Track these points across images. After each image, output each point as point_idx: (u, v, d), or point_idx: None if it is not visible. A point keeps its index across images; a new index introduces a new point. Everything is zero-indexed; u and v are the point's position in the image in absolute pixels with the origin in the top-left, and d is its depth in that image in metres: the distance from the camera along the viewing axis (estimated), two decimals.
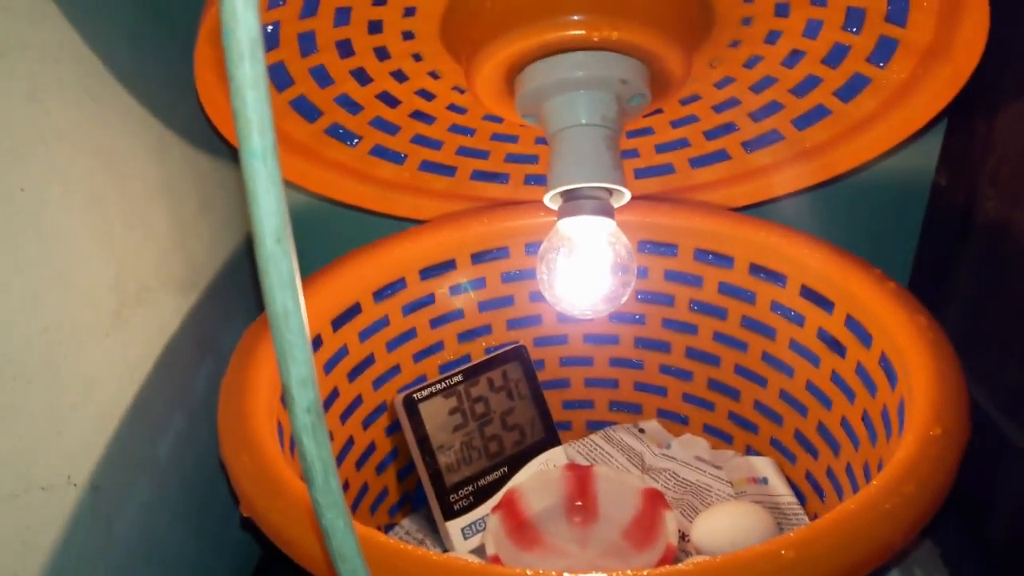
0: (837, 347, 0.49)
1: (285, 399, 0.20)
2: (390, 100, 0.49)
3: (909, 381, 0.40)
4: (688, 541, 0.54)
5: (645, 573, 0.30)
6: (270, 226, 0.18)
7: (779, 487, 0.55)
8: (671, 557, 0.50)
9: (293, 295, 0.18)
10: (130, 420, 0.41)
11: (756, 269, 0.53)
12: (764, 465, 0.56)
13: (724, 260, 0.55)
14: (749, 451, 0.58)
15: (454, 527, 0.54)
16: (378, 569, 0.30)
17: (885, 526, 0.31)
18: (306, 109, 0.48)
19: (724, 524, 0.52)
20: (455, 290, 0.57)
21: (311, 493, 0.20)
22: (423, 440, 0.55)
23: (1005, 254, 0.48)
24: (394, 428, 0.56)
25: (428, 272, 0.56)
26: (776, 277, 0.53)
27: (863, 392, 0.46)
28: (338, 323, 0.51)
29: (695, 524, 0.53)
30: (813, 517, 0.53)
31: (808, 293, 0.51)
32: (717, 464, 0.59)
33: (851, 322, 0.48)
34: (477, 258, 0.57)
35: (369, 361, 0.54)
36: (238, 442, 0.38)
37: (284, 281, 0.18)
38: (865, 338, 0.46)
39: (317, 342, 0.50)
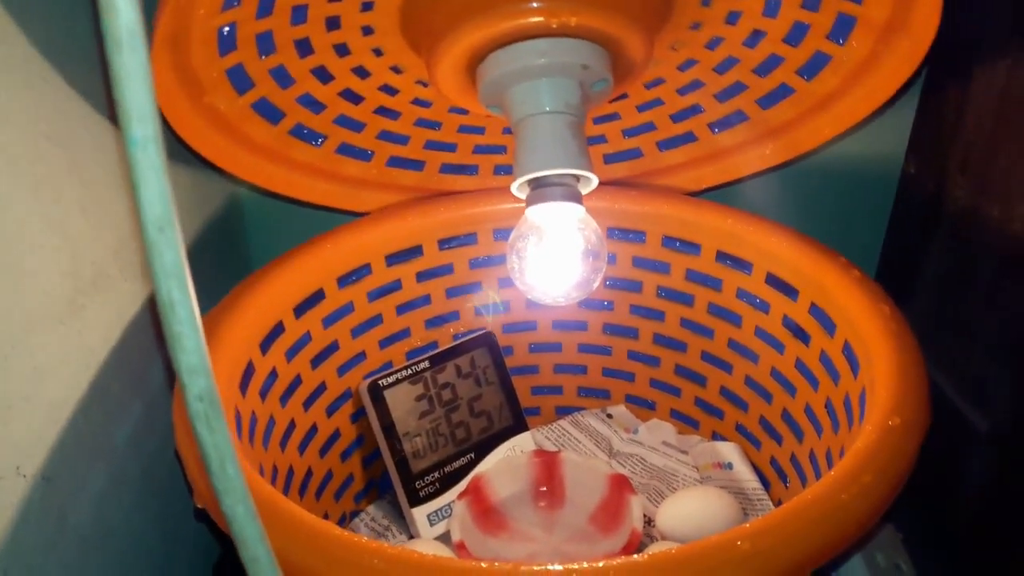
0: (801, 335, 0.49)
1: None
2: (353, 97, 0.48)
3: (871, 370, 0.40)
4: (654, 526, 0.54)
5: (601, 564, 0.30)
6: (152, 215, 0.17)
7: (744, 473, 0.55)
8: (636, 543, 0.50)
9: (179, 284, 0.18)
10: (85, 409, 0.40)
11: (723, 256, 0.53)
12: (729, 451, 0.56)
13: (691, 247, 0.54)
14: (715, 436, 0.59)
15: (420, 513, 0.54)
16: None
17: (842, 516, 0.31)
18: (269, 111, 0.47)
19: (689, 510, 0.52)
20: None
21: (210, 481, 0.20)
22: (389, 427, 0.54)
23: (973, 241, 0.49)
24: (359, 415, 0.56)
25: (394, 258, 0.55)
26: (742, 264, 0.53)
27: (826, 380, 0.47)
28: (301, 309, 0.50)
29: (660, 510, 0.53)
30: (777, 503, 0.53)
31: (774, 281, 0.51)
32: (683, 449, 0.59)
33: (815, 310, 0.48)
34: (444, 244, 0.56)
35: (333, 348, 0.53)
36: (190, 430, 0.38)
37: (168, 270, 0.18)
38: (829, 326, 0.46)
39: (279, 329, 0.49)
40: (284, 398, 0.49)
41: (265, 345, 0.48)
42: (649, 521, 0.54)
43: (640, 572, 0.29)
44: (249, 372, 0.46)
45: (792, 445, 0.51)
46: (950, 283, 0.53)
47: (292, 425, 0.50)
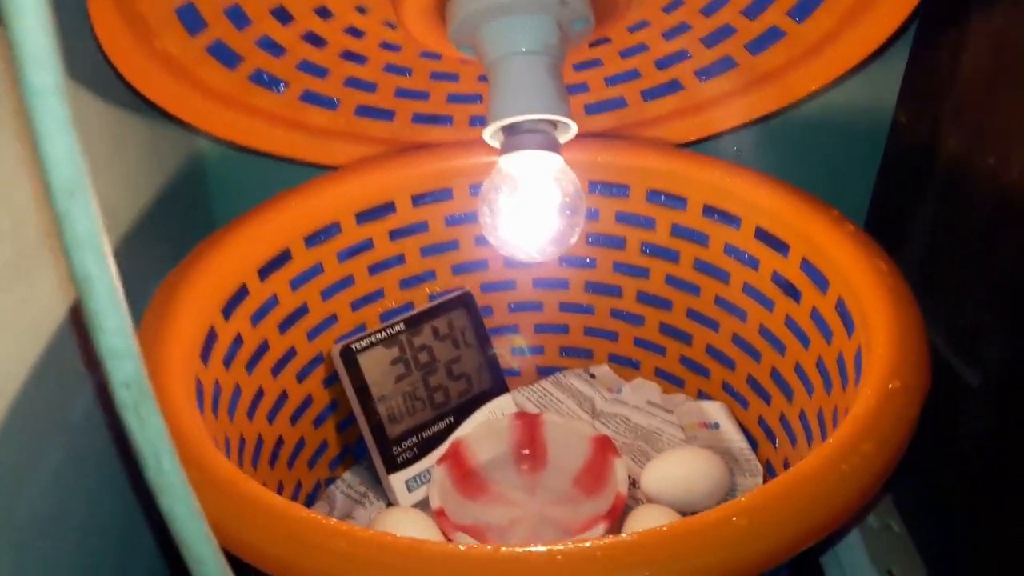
0: (792, 291, 0.47)
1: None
2: (316, 40, 0.45)
3: (867, 329, 0.39)
4: (638, 488, 0.52)
5: (588, 544, 0.28)
6: (60, 178, 0.15)
7: (731, 432, 0.53)
8: (621, 506, 0.49)
9: (95, 257, 0.15)
10: (36, 382, 0.38)
11: (710, 211, 0.51)
12: (715, 410, 0.55)
13: (677, 201, 0.52)
14: (701, 396, 0.57)
15: (397, 480, 0.52)
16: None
17: (843, 488, 0.29)
18: (225, 55, 0.44)
19: (675, 471, 0.51)
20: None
21: (145, 476, 0.18)
22: (363, 392, 0.52)
23: (966, 192, 0.46)
24: (332, 379, 0.53)
25: (365, 216, 0.52)
26: (730, 219, 0.50)
27: (818, 338, 0.45)
28: (266, 271, 0.48)
29: (645, 472, 0.51)
30: (765, 463, 0.52)
31: (763, 235, 0.49)
32: (668, 408, 0.58)
33: (807, 266, 0.46)
34: (418, 200, 0.54)
35: (302, 311, 0.51)
36: None
37: (82, 242, 0.15)
38: (821, 283, 0.44)
39: (243, 292, 0.46)
40: (250, 365, 0.47)
41: (228, 310, 0.45)
42: (634, 483, 0.53)
43: (629, 551, 0.27)
44: (211, 339, 0.43)
45: (781, 405, 0.49)
46: (942, 235, 0.51)
47: (260, 393, 0.48)
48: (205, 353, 0.42)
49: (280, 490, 0.49)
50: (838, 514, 0.29)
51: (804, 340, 0.46)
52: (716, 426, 0.54)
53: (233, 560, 0.29)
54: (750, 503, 0.29)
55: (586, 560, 0.27)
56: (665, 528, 0.28)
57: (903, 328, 0.37)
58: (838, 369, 0.42)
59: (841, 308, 0.42)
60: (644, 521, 0.47)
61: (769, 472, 0.51)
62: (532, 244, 0.45)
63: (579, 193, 0.44)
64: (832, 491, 0.29)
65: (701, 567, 0.27)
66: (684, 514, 0.50)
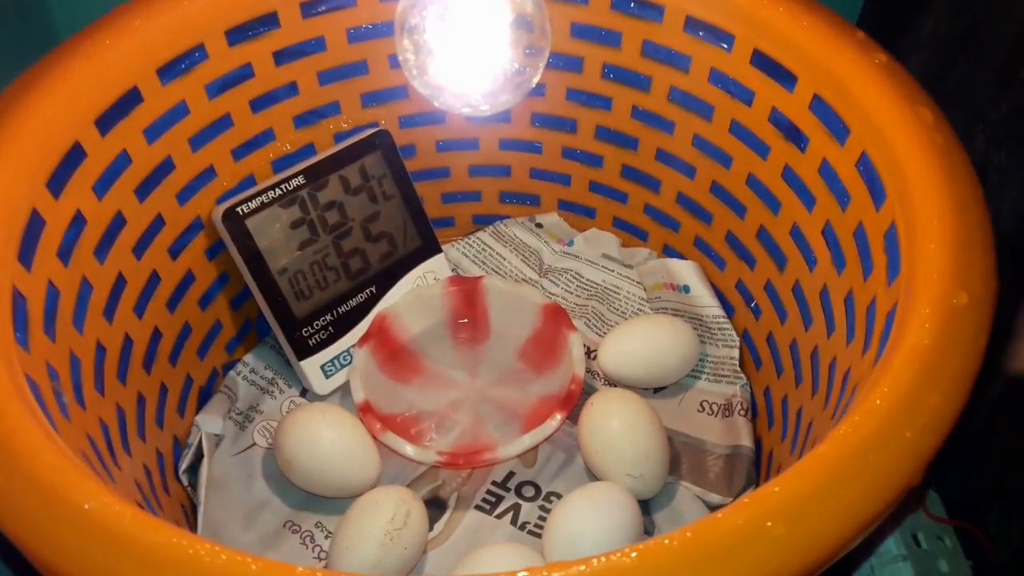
0: (795, 136, 0.38)
1: None
2: None
3: (906, 204, 0.30)
4: (594, 358, 0.45)
5: (582, 568, 0.20)
6: None
7: (702, 297, 0.46)
8: (578, 391, 0.42)
9: None
10: None
11: (693, 24, 0.39)
12: (686, 270, 0.46)
13: (650, 10, 0.40)
14: (668, 252, 0.48)
15: (311, 366, 0.43)
16: None
17: (904, 462, 0.22)
18: None
19: (637, 346, 0.43)
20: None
21: None
22: (257, 265, 0.42)
23: (981, 9, 0.37)
24: (218, 247, 0.43)
25: (238, 33, 0.39)
26: (719, 36, 0.39)
27: (828, 200, 0.36)
28: (107, 121, 0.35)
29: (603, 346, 0.44)
30: (743, 333, 0.45)
31: (761, 60, 0.38)
32: (628, 263, 0.49)
33: (819, 105, 0.36)
34: (310, 8, 0.40)
35: (166, 167, 0.39)
36: None
37: None
38: (838, 129, 0.35)
39: (77, 153, 0.34)
40: (100, 250, 0.35)
41: (57, 181, 0.33)
42: (589, 352, 0.46)
43: (632, 573, 0.20)
44: (35, 226, 0.31)
45: (769, 271, 0.41)
46: (951, 55, 0.41)
47: (120, 282, 0.37)
48: (27, 248, 0.31)
49: (164, 392, 0.40)
50: (896, 495, 0.22)
51: (807, 199, 0.38)
52: (686, 289, 0.46)
53: None
54: (785, 498, 0.21)
55: None
56: (677, 542, 0.20)
57: (964, 215, 0.28)
58: (855, 244, 0.34)
59: (865, 166, 0.33)
60: (605, 413, 0.40)
61: (746, 343, 0.44)
62: (476, 89, 0.33)
63: (541, 9, 0.32)
64: (891, 469, 0.22)
65: None
66: (647, 391, 0.44)
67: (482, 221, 0.51)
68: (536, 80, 0.33)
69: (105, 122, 0.35)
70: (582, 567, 0.20)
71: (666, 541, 0.20)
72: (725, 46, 0.39)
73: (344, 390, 0.44)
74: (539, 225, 0.50)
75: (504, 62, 0.33)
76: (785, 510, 0.21)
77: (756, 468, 0.41)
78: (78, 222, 0.34)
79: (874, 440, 0.22)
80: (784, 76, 0.37)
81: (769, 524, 0.20)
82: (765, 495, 0.21)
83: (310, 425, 0.39)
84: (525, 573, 0.20)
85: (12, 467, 0.22)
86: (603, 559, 0.20)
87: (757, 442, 0.41)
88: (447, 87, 0.34)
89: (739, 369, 0.44)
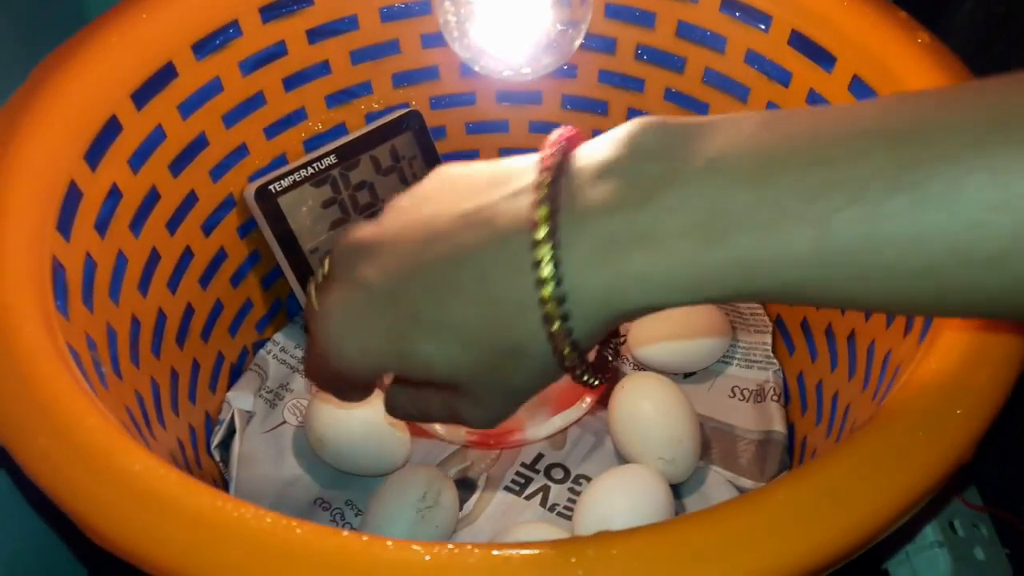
0: None
1: None
2: None
3: None
4: (623, 343, 0.45)
5: (629, 537, 0.20)
6: None
7: None
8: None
9: None
10: None
11: (730, 5, 0.39)
12: None
13: None
14: None
15: None
16: None
17: (957, 437, 0.22)
18: None
19: (666, 330, 0.43)
20: None
21: None
22: (289, 243, 0.42)
23: None
24: (250, 225, 0.43)
25: (272, 9, 0.39)
26: (756, 16, 0.39)
27: None
28: (143, 96, 0.35)
29: (633, 331, 0.44)
30: (775, 319, 0.44)
31: (799, 41, 0.38)
32: None
33: (859, 86, 0.35)
34: None
35: (200, 143, 0.39)
36: None
37: None
38: None
39: (113, 127, 0.34)
40: (136, 223, 0.36)
41: (94, 154, 0.33)
42: (619, 336, 0.45)
43: (675, 550, 0.20)
44: (73, 199, 0.32)
45: None
46: (991, 37, 0.41)
47: (155, 256, 0.37)
48: (65, 219, 0.31)
49: (196, 368, 0.40)
50: (947, 474, 0.22)
51: None
52: None
53: None
54: (835, 477, 0.21)
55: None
56: (721, 515, 0.20)
57: None
58: None
59: None
60: (637, 396, 0.39)
61: (780, 328, 0.44)
62: (520, 53, 0.33)
63: None
64: (944, 443, 0.22)
65: None
66: (676, 376, 0.43)
67: None
68: (579, 42, 0.33)
69: (141, 96, 0.35)
70: (627, 538, 0.20)
71: (714, 514, 0.20)
72: (762, 26, 0.39)
73: None
74: None
75: (546, 23, 0.32)
76: (835, 485, 0.20)
77: (788, 453, 0.40)
78: (114, 195, 0.34)
79: (925, 417, 0.22)
80: (823, 57, 0.37)
81: (818, 500, 0.20)
82: (813, 471, 0.21)
83: (341, 412, 0.39)
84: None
85: (58, 431, 0.22)
86: (650, 530, 0.20)
87: (790, 427, 0.41)
88: (488, 50, 0.33)
89: (772, 355, 0.43)
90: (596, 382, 0.22)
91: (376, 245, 0.23)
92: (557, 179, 0.20)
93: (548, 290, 0.19)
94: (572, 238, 0.20)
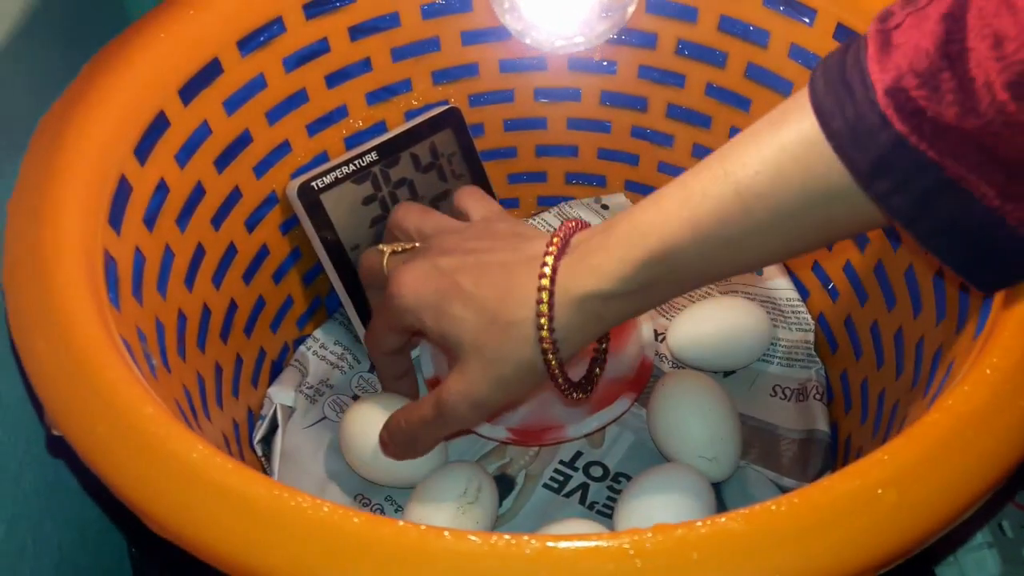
0: None
1: None
2: None
3: None
4: (662, 341, 0.45)
5: (686, 531, 0.20)
6: None
7: (776, 279, 0.45)
8: (647, 374, 0.41)
9: None
10: None
11: None
12: None
13: None
14: None
15: None
16: None
17: (1020, 430, 0.21)
18: None
19: (706, 328, 0.43)
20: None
21: None
22: (331, 240, 0.42)
23: None
24: (292, 223, 0.43)
25: (316, 6, 0.39)
26: (800, 10, 0.38)
27: None
28: (189, 92, 0.36)
29: (673, 327, 0.43)
30: (818, 318, 0.44)
31: (845, 34, 0.37)
32: None
33: None
34: None
35: (244, 140, 0.39)
36: (31, 311, 0.25)
37: None
38: None
39: (161, 122, 0.34)
40: (182, 218, 0.36)
41: (143, 149, 0.34)
42: (657, 335, 0.45)
43: (733, 542, 0.19)
44: (123, 193, 0.32)
45: (848, 252, 0.40)
46: None
47: (200, 251, 0.37)
48: (116, 213, 0.31)
49: (239, 363, 0.40)
50: (1011, 467, 0.21)
51: None
52: (758, 271, 0.45)
53: None
54: (897, 464, 0.20)
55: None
56: (783, 505, 0.20)
57: None
58: None
59: None
60: (678, 394, 0.39)
61: (822, 326, 0.43)
62: (573, 23, 0.32)
63: None
64: (1007, 435, 0.21)
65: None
66: (716, 375, 0.43)
67: (547, 203, 0.50)
68: (632, 8, 0.32)
69: (188, 92, 0.36)
70: (685, 530, 0.20)
71: (773, 507, 0.20)
72: (807, 20, 0.38)
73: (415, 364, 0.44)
74: (605, 207, 0.50)
75: None
76: (897, 477, 0.20)
77: (832, 452, 0.40)
78: (162, 190, 0.35)
79: (987, 409, 0.21)
80: None
81: (880, 491, 0.20)
82: (875, 462, 0.21)
83: (377, 408, 0.39)
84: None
85: (114, 418, 0.22)
86: (709, 522, 0.20)
87: (833, 426, 0.41)
88: (541, 24, 0.33)
89: (814, 353, 0.43)
90: (576, 391, 0.35)
91: (448, 244, 0.35)
92: (566, 238, 0.32)
93: (545, 281, 0.30)
94: (563, 264, 0.31)
